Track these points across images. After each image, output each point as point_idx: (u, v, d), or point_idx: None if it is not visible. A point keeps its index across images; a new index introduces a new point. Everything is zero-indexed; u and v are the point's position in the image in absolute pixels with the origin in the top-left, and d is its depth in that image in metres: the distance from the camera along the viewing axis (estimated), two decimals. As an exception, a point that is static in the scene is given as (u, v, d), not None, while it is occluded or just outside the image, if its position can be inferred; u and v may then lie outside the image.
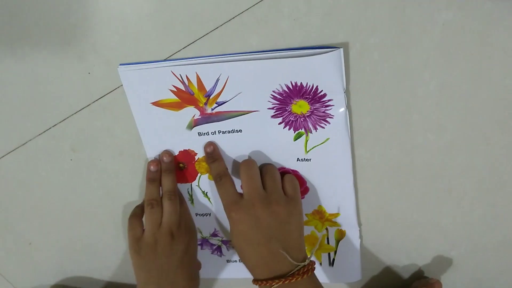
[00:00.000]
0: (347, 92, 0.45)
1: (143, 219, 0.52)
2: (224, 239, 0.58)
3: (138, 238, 0.50)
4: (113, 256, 0.61)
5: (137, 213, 0.53)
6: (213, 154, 0.50)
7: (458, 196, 0.52)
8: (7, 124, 0.50)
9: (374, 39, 0.43)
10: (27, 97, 0.48)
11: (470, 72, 0.44)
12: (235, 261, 0.60)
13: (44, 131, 0.51)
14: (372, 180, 0.52)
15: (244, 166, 0.48)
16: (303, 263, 0.45)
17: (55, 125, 0.50)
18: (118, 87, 0.47)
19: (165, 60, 0.45)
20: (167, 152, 0.51)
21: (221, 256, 0.60)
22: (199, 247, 0.58)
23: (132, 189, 0.54)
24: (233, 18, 0.43)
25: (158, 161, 0.51)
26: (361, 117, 0.47)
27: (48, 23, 0.44)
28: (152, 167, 0.51)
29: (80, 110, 0.49)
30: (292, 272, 0.45)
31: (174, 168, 0.52)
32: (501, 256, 0.56)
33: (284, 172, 0.51)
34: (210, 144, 0.50)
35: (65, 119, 0.50)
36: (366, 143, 0.49)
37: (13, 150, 0.52)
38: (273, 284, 0.44)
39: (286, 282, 0.44)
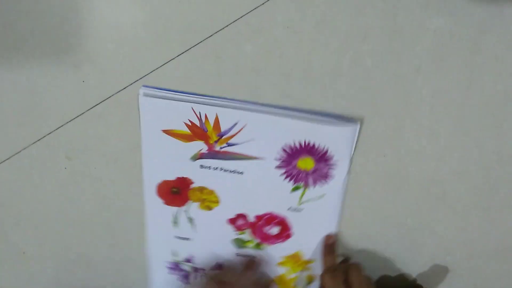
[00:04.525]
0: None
1: None
2: (197, 267, 0.58)
3: None
4: (108, 266, 0.60)
5: None
6: (332, 246, 0.53)
7: (453, 202, 0.52)
8: (1, 133, 0.50)
9: (367, 45, 0.43)
10: (22, 106, 0.48)
11: (462, 78, 0.45)
12: None
13: (39, 140, 0.50)
14: (366, 186, 0.52)
15: (356, 269, 0.50)
16: None
17: (50, 133, 0.50)
18: (113, 95, 0.47)
19: (187, 93, 0.46)
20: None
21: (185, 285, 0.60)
22: (168, 270, 0.58)
23: (127, 198, 0.54)
24: (227, 26, 0.43)
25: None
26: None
27: (43, 31, 0.44)
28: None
29: (75, 118, 0.49)
30: None
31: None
32: (496, 261, 0.56)
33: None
34: (331, 237, 0.53)
35: (60, 127, 0.50)
36: (360, 149, 0.49)
37: (7, 159, 0.52)
38: None
39: None
